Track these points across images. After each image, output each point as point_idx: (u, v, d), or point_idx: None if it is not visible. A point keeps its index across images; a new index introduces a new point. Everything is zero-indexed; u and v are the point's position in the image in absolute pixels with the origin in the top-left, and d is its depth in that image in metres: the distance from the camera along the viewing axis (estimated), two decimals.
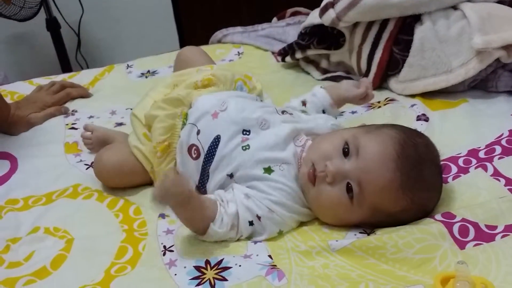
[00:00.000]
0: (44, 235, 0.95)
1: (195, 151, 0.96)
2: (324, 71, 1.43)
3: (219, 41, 1.70)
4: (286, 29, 1.64)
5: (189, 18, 2.67)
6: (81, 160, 1.16)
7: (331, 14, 1.29)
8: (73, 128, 1.30)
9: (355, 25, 1.32)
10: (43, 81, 1.53)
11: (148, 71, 1.55)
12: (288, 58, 1.46)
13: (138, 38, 2.64)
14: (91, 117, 1.34)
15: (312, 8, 1.48)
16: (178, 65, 1.26)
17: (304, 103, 1.05)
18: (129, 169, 1.03)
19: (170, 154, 1.00)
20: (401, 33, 1.26)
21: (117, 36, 2.64)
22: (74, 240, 0.92)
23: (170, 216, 0.97)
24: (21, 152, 1.21)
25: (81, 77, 1.56)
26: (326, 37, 1.38)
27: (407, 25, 1.26)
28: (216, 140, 0.94)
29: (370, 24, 1.30)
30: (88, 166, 1.14)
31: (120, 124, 1.29)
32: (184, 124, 1.00)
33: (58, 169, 1.14)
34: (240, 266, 0.83)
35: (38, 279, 0.85)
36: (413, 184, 0.84)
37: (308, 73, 1.46)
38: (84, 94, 1.45)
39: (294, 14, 1.71)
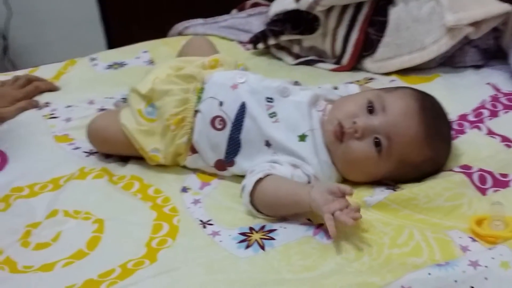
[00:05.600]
0: (65, 218, 0.91)
1: (220, 122, 0.97)
2: (297, 56, 1.48)
3: (179, 34, 1.70)
4: (249, 20, 1.68)
5: (117, 20, 2.64)
6: (77, 148, 1.13)
7: None
8: (53, 117, 1.25)
9: (329, 9, 1.39)
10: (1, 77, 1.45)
11: (115, 63, 1.52)
12: (260, 45, 1.50)
13: (66, 41, 2.57)
14: (69, 106, 1.30)
15: None
16: (185, 52, 1.26)
17: (335, 88, 1.09)
18: (115, 139, 1.04)
19: (184, 128, 1.00)
20: (376, 15, 1.34)
21: (45, 39, 2.56)
22: (105, 221, 0.90)
23: (192, 188, 0.97)
24: (5, 145, 1.14)
25: (41, 72, 1.50)
26: (299, 22, 1.43)
27: (380, 7, 1.34)
28: (242, 107, 0.96)
29: (344, 8, 1.37)
30: (88, 153, 1.10)
31: (104, 109, 1.26)
32: (199, 98, 1.00)
33: (56, 157, 1.10)
34: (285, 228, 0.85)
35: (76, 260, 0.82)
36: (435, 135, 0.91)
37: (280, 59, 1.50)
38: (52, 87, 1.41)
39: (253, 5, 1.75)
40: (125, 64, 1.52)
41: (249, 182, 0.88)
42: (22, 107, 1.30)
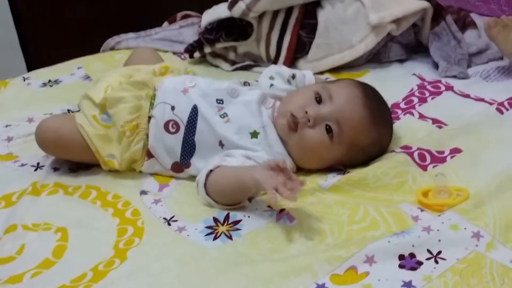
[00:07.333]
0: (25, 232, 0.90)
1: (174, 126, 1.00)
2: (233, 62, 1.53)
3: (112, 49, 1.70)
4: (181, 31, 1.71)
5: (36, 44, 2.60)
6: (22, 164, 1.11)
7: (241, 6, 1.40)
8: None
9: (262, 15, 1.45)
10: None
11: (50, 81, 1.50)
12: (196, 54, 1.53)
13: None
14: (8, 126, 1.27)
15: None
16: (131, 62, 1.27)
17: (293, 77, 1.12)
18: (68, 139, 1.03)
19: (139, 134, 1.02)
20: (306, 18, 1.42)
21: None
22: (68, 229, 0.89)
23: (151, 191, 0.99)
24: None
25: None
26: (233, 29, 1.48)
27: (309, 10, 1.42)
28: (194, 110, 1.00)
29: (275, 13, 1.44)
30: (35, 167, 1.09)
31: None
32: (152, 105, 1.03)
33: (3, 175, 1.08)
34: (249, 217, 0.89)
35: (44, 269, 0.82)
36: (379, 119, 1.00)
37: (217, 66, 1.54)
38: None
39: (184, 17, 1.79)
40: (60, 81, 1.50)
41: (201, 176, 0.92)
42: None
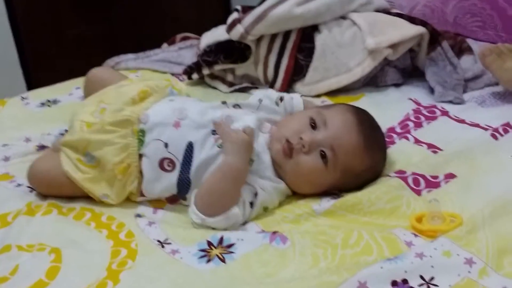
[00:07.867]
0: (19, 252, 0.90)
1: (169, 164, 0.99)
2: (231, 84, 1.54)
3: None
4: (181, 53, 1.72)
5: (36, 63, 2.61)
6: (19, 184, 1.11)
7: (239, 29, 1.42)
8: None
9: (260, 38, 1.47)
10: None
11: (48, 101, 1.51)
12: (195, 75, 1.55)
13: None
14: (5, 145, 1.27)
15: None
16: (90, 86, 1.25)
17: (281, 99, 1.13)
18: (55, 180, 1.03)
19: (132, 175, 1.00)
20: (303, 41, 1.43)
21: None
22: (62, 250, 0.89)
23: (146, 215, 0.99)
24: None
25: None
26: (232, 52, 1.50)
27: (307, 34, 1.44)
28: (190, 147, 0.98)
29: (273, 36, 1.46)
30: (31, 188, 1.09)
31: (43, 146, 1.25)
32: (141, 141, 1.01)
33: None
34: (242, 240, 0.89)
35: None
36: (373, 145, 1.00)
37: (215, 88, 1.55)
38: None
39: (183, 39, 1.81)
40: (58, 101, 1.51)
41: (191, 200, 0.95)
42: None
